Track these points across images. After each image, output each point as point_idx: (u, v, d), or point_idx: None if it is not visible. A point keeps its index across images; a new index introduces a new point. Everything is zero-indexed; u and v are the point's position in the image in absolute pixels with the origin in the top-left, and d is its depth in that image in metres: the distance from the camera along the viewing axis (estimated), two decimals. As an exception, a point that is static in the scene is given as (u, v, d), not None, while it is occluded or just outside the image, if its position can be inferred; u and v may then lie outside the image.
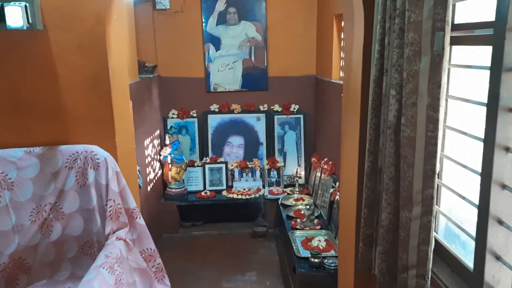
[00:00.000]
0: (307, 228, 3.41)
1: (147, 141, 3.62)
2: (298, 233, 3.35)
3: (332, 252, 3.04)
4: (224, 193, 4.28)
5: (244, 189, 4.30)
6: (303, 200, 4.01)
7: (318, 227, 3.43)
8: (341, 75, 3.63)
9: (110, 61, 1.86)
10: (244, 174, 4.40)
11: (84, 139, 1.86)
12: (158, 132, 4.13)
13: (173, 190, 4.15)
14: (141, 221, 1.87)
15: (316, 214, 3.58)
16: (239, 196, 4.18)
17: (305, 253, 3.04)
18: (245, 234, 4.15)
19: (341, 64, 3.62)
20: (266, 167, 4.36)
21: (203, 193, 4.24)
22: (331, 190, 3.42)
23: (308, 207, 3.54)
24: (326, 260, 2.86)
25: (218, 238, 4.10)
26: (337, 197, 3.26)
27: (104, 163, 1.80)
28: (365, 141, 1.91)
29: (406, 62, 1.51)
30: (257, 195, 4.21)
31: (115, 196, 1.79)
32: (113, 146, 1.88)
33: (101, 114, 1.87)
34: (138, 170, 2.92)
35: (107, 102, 1.85)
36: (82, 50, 1.84)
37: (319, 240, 3.16)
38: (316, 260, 2.85)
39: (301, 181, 4.40)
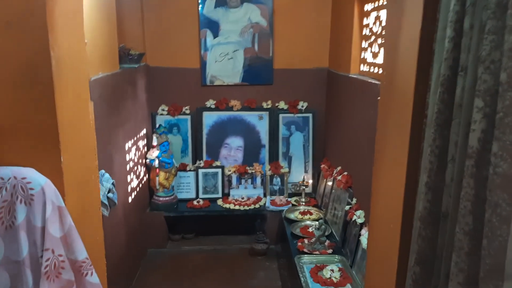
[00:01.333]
0: (317, 252, 2.86)
1: (129, 144, 3.05)
2: (306, 258, 2.80)
3: (349, 287, 2.49)
4: (220, 202, 3.72)
5: (243, 198, 3.74)
6: (311, 214, 3.45)
7: (330, 250, 2.88)
8: (362, 69, 3.05)
9: (53, 47, 1.28)
10: (243, 181, 3.84)
11: (13, 159, 1.29)
12: (144, 131, 3.55)
13: (161, 199, 3.59)
14: (93, 278, 1.31)
15: (327, 233, 3.02)
16: (237, 207, 3.62)
17: (315, 287, 2.50)
18: (243, 251, 3.60)
19: (362, 56, 3.04)
20: (269, 173, 3.80)
21: (195, 202, 3.68)
22: (347, 207, 2.86)
23: (317, 226, 2.98)
24: (342, 300, 2.32)
25: (211, 254, 3.55)
26: (354, 217, 2.71)
27: (40, 195, 1.23)
28: (417, 168, 1.34)
29: (508, 57, 0.95)
30: (257, 205, 3.65)
31: (55, 244, 1.23)
32: (56, 169, 1.31)
33: (38, 123, 1.29)
34: (113, 184, 2.36)
35: (47, 105, 1.27)
36: (10, 30, 1.26)
37: (332, 270, 2.61)
38: (330, 300, 2.30)
39: (308, 190, 3.84)
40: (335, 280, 2.54)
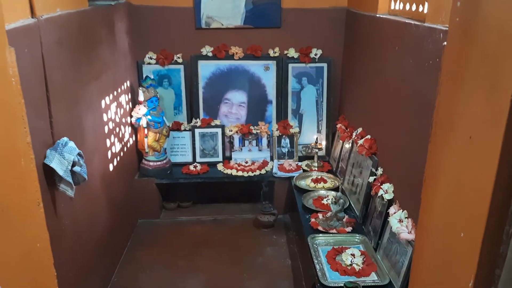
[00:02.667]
0: (334, 231, 2.40)
1: (106, 100, 2.51)
2: (321, 238, 2.35)
3: (374, 277, 2.05)
4: (220, 167, 3.24)
5: (246, 162, 3.25)
6: (325, 181, 2.97)
7: (349, 228, 2.42)
8: (393, 7, 2.43)
9: None
10: (246, 143, 3.33)
11: None
12: (127, 83, 3.00)
13: (151, 163, 3.11)
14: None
15: (345, 206, 2.56)
16: (239, 173, 3.14)
17: (332, 277, 2.06)
18: (247, 222, 3.17)
19: (395, -10, 2.41)
20: (276, 133, 3.29)
21: (191, 167, 3.20)
22: (371, 179, 2.37)
23: (335, 199, 2.50)
24: (367, 297, 1.88)
25: (211, 226, 3.13)
26: (381, 192, 2.21)
27: None
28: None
29: None
30: (263, 171, 3.17)
31: None
32: None
33: None
34: (79, 155, 1.85)
35: None
36: None
37: (353, 255, 2.16)
38: (353, 297, 1.86)
39: (321, 153, 3.34)
40: (357, 268, 2.09)
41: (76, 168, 1.83)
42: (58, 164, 1.72)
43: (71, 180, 1.76)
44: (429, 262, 1.19)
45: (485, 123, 0.93)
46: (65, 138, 1.84)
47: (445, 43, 1.13)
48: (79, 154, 1.86)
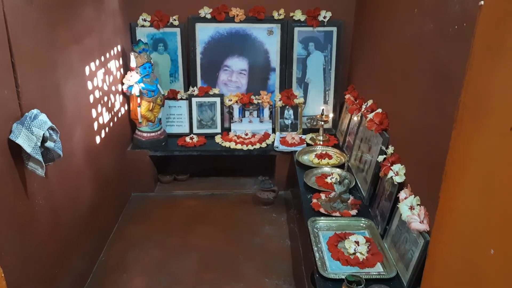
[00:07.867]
0: (337, 214, 2.21)
1: (92, 67, 2.28)
2: (322, 222, 2.16)
3: (379, 269, 1.86)
4: (218, 139, 3.03)
5: (246, 135, 3.04)
6: (330, 157, 2.75)
7: (354, 212, 2.22)
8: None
9: None
10: (247, 113, 3.10)
11: None
12: (118, 48, 2.75)
13: (145, 135, 2.91)
14: None
15: (350, 186, 2.35)
16: (238, 146, 2.93)
17: (333, 267, 1.88)
18: (246, 197, 2.99)
19: None
20: (279, 103, 3.05)
21: (187, 139, 2.99)
22: (380, 158, 2.14)
23: (339, 179, 2.29)
24: (371, 293, 1.70)
25: (207, 202, 2.96)
26: (391, 173, 1.99)
27: None
28: None
29: None
30: (263, 144, 2.95)
31: None
32: None
33: None
34: (52, 129, 1.65)
35: None
36: None
37: (357, 242, 1.97)
38: (354, 292, 1.68)
39: (328, 125, 3.10)
40: (360, 258, 1.90)
41: (49, 144, 1.64)
42: (25, 140, 1.53)
43: (40, 158, 1.57)
44: (446, 277, 0.99)
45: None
46: (35, 110, 1.63)
47: (482, 2, 0.88)
48: (51, 128, 1.66)
